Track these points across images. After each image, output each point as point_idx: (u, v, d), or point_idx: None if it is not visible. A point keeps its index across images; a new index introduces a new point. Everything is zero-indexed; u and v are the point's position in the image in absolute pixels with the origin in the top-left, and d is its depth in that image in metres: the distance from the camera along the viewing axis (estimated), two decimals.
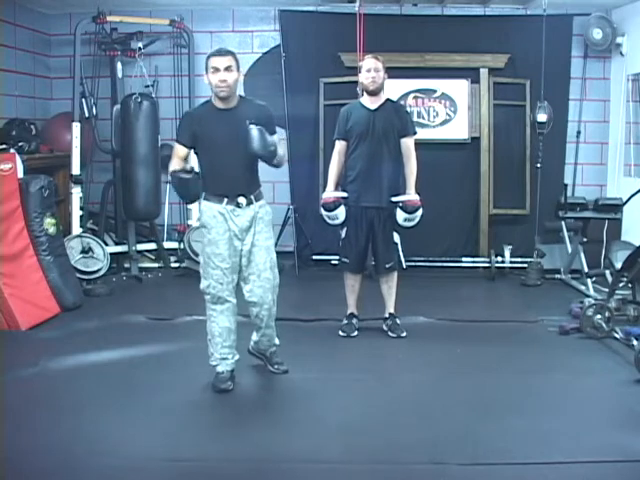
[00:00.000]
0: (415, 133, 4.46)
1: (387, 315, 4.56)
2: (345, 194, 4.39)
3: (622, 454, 2.85)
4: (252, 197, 3.51)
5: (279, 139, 3.56)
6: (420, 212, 4.33)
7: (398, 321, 4.52)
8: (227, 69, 3.41)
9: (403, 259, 4.54)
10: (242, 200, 3.47)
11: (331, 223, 4.43)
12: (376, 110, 4.35)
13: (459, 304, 5.30)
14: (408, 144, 4.38)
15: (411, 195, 4.34)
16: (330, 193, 4.39)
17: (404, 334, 4.45)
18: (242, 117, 3.43)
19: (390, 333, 4.48)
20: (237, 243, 3.50)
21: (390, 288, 4.53)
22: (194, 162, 3.66)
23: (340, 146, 4.43)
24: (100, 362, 3.91)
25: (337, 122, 4.46)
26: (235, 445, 2.95)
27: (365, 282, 4.63)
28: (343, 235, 4.44)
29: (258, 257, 3.53)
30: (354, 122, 4.35)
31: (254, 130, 3.35)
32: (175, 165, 3.48)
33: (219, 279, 3.48)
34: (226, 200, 3.47)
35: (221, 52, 3.49)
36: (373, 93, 4.35)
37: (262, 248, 3.54)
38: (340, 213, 4.34)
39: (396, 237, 4.45)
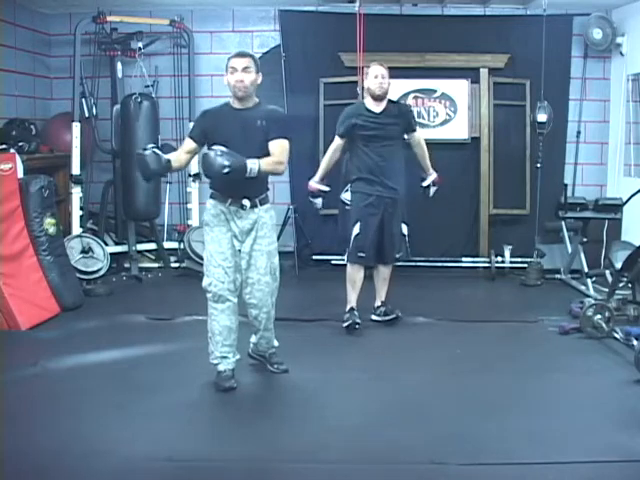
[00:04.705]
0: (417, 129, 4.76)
1: (379, 303, 4.75)
2: (327, 188, 4.70)
3: (622, 454, 2.84)
4: (257, 200, 3.51)
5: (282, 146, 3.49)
6: None
7: (389, 306, 4.74)
8: (245, 70, 3.44)
9: (409, 250, 4.77)
10: (246, 202, 3.47)
11: (313, 203, 4.79)
12: (381, 113, 4.51)
13: (459, 304, 5.31)
14: (417, 136, 4.70)
15: (433, 173, 4.79)
16: (314, 184, 4.68)
17: (400, 313, 4.69)
18: (254, 118, 3.47)
19: (385, 317, 4.70)
20: (236, 244, 3.51)
21: (385, 280, 4.75)
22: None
23: (339, 143, 4.58)
24: (100, 362, 3.90)
25: (340, 120, 4.58)
26: (235, 445, 2.95)
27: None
28: (357, 231, 4.53)
29: (259, 261, 3.54)
30: (361, 124, 4.48)
31: (207, 153, 3.31)
32: (172, 155, 3.53)
33: (220, 277, 3.49)
34: (230, 200, 3.47)
35: (240, 53, 3.56)
36: (379, 98, 4.51)
37: (264, 253, 3.55)
38: (318, 203, 4.75)
39: (405, 229, 4.66)
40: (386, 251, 4.62)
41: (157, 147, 3.49)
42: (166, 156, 3.45)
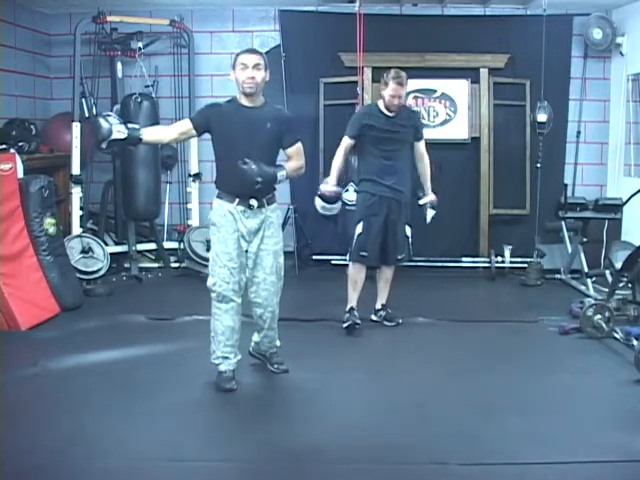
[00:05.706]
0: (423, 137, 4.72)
1: (380, 306, 4.75)
2: (340, 190, 4.63)
3: (622, 454, 2.85)
4: (264, 200, 3.51)
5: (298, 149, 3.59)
6: None
7: (390, 310, 4.73)
8: (255, 67, 3.43)
9: (412, 251, 4.76)
10: (254, 202, 3.46)
11: (324, 213, 4.66)
12: (394, 117, 4.52)
13: (459, 304, 5.31)
14: (422, 146, 4.66)
15: (432, 194, 4.72)
16: (332, 187, 4.53)
17: (401, 321, 4.68)
18: (263, 119, 3.46)
19: (386, 323, 4.70)
20: (244, 244, 3.51)
21: (387, 282, 4.75)
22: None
23: (348, 143, 4.55)
24: (100, 362, 3.90)
25: (352, 120, 4.60)
26: (235, 445, 2.95)
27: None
28: (360, 230, 4.54)
29: (265, 261, 3.54)
30: (373, 126, 4.49)
31: (241, 167, 3.32)
32: (153, 128, 3.63)
33: (225, 278, 3.48)
34: (237, 200, 3.46)
35: (250, 50, 3.59)
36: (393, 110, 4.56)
37: (270, 252, 3.55)
38: (337, 207, 4.58)
39: (408, 230, 4.66)
40: (389, 252, 4.61)
41: (124, 122, 3.45)
42: (145, 129, 3.48)
